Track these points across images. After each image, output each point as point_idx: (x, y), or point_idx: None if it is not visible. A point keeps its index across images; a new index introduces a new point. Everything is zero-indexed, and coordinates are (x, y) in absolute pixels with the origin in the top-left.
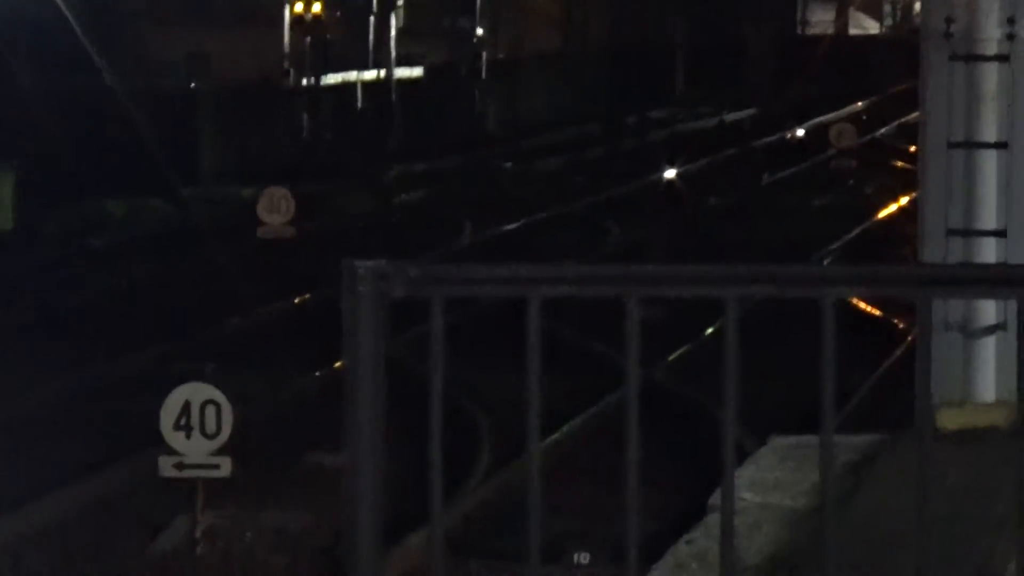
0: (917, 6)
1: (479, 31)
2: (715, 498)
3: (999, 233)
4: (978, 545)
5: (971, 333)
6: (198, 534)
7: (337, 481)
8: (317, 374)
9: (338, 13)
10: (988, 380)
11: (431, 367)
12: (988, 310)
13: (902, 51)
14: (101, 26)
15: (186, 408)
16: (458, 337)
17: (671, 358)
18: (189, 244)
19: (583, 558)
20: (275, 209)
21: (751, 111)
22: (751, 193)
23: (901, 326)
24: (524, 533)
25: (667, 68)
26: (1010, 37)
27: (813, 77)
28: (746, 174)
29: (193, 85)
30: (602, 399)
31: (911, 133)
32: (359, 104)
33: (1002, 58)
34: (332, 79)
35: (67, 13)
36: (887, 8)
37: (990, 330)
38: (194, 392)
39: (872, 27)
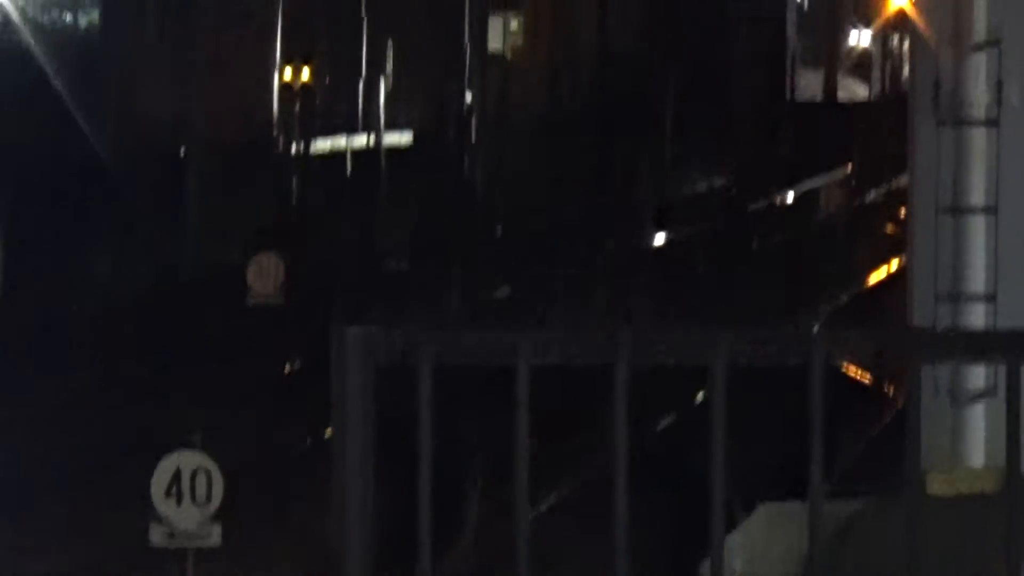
0: (906, 72)
1: (468, 95)
2: (705, 567)
3: (988, 298)
4: None
5: (960, 399)
6: None
7: (326, 544)
8: (307, 438)
9: (327, 78)
10: (977, 446)
11: (420, 432)
12: (977, 376)
13: (891, 116)
14: (87, 87)
15: (177, 476)
16: (447, 399)
17: (660, 421)
18: (177, 308)
19: None
20: (265, 275)
21: (740, 175)
22: (740, 257)
23: (890, 391)
24: None
25: (655, 129)
26: (998, 102)
27: (802, 141)
28: (735, 238)
29: (182, 148)
30: (590, 462)
31: (900, 198)
32: (348, 170)
33: (990, 123)
34: (321, 145)
35: (51, 74)
36: (876, 74)
37: (979, 396)
38: (185, 460)
39: (861, 92)
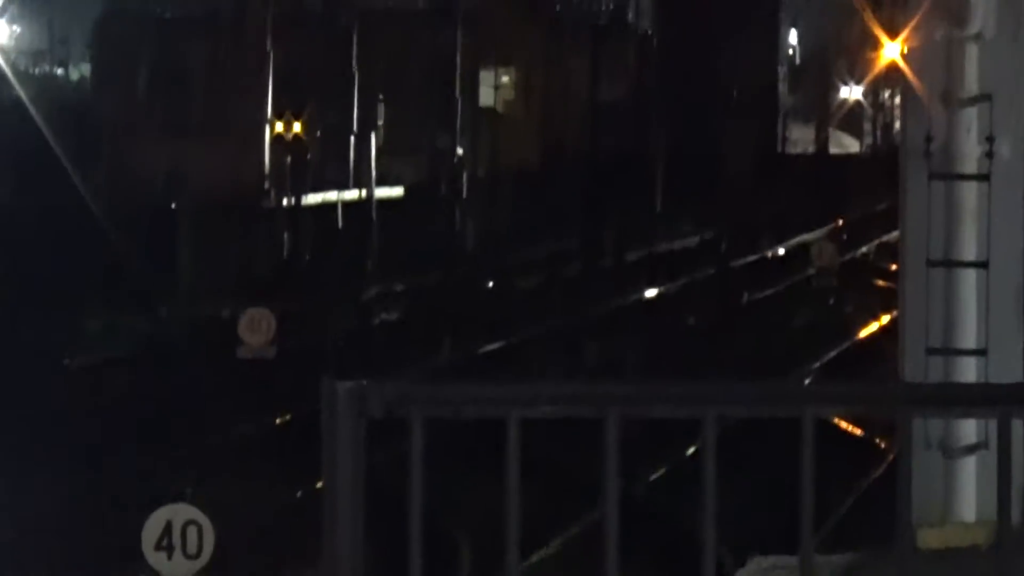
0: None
1: (459, 150)
2: None
3: (979, 352)
4: None
5: (951, 452)
6: None
7: None
8: (298, 493)
9: (318, 133)
10: (968, 499)
11: (410, 486)
12: (968, 429)
13: (882, 169)
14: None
15: (168, 529)
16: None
17: (651, 475)
18: (167, 363)
19: None
20: (256, 329)
21: (731, 228)
22: (731, 311)
23: (882, 444)
24: None
25: (646, 183)
26: (989, 155)
27: (794, 195)
28: (726, 292)
29: (174, 203)
30: (582, 516)
31: (892, 251)
32: (339, 223)
33: (981, 177)
34: (312, 198)
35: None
36: (867, 127)
37: (970, 449)
38: (175, 513)
39: (852, 146)
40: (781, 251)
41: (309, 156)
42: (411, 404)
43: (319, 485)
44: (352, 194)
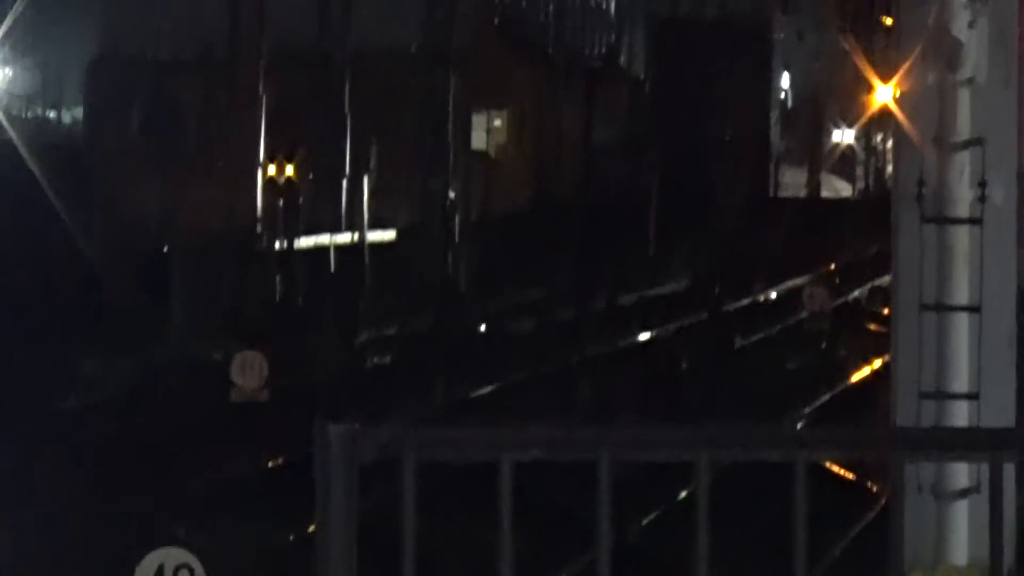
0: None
1: (451, 193)
2: None
3: (972, 396)
4: None
5: (944, 496)
6: None
7: None
8: (291, 536)
9: (311, 175)
10: (961, 543)
11: (403, 530)
12: (961, 473)
13: (874, 213)
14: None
15: (160, 572)
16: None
17: (645, 519)
18: (160, 405)
19: None
20: (248, 372)
21: (723, 272)
22: (723, 355)
23: (874, 488)
24: None
25: (638, 226)
26: (981, 200)
27: (786, 238)
28: (718, 336)
29: (166, 245)
30: (575, 560)
31: (884, 295)
32: (332, 266)
33: (974, 221)
34: (305, 241)
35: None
36: (860, 171)
37: (963, 493)
38: (168, 556)
39: (845, 190)
40: (773, 295)
41: (301, 198)
42: (404, 447)
43: (312, 528)
44: (344, 237)
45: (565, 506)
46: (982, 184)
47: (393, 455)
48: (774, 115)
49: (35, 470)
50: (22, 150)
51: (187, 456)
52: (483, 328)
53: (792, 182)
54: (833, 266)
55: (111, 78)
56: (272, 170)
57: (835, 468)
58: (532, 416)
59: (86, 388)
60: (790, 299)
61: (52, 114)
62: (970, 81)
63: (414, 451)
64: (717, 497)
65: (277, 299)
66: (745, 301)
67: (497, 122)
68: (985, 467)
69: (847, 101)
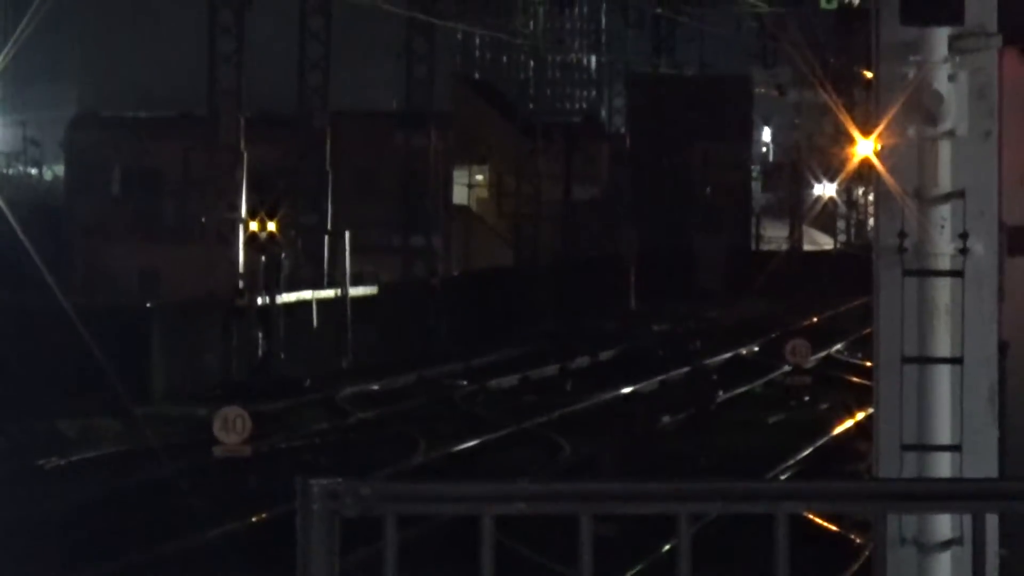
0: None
1: (433, 248)
2: None
3: (954, 448)
4: None
5: (927, 547)
6: None
7: None
8: None
9: (292, 232)
10: None
11: None
12: (944, 524)
13: (855, 266)
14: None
15: None
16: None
17: (627, 573)
18: (143, 463)
19: None
20: (230, 428)
21: (704, 326)
22: (704, 410)
23: (857, 540)
24: None
25: (619, 282)
26: (962, 252)
27: (767, 292)
28: (699, 391)
29: (147, 304)
30: None
31: (866, 348)
32: (314, 323)
33: (955, 273)
34: (287, 297)
35: (17, 228)
36: (841, 224)
37: (946, 544)
38: None
39: (826, 243)
40: (755, 348)
41: (283, 255)
42: (385, 502)
43: None
44: (326, 293)
45: (547, 559)
46: (963, 236)
47: (375, 510)
48: (755, 169)
49: (19, 530)
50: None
51: (171, 513)
52: (464, 383)
53: (773, 236)
54: (815, 319)
55: (92, 137)
56: (254, 227)
57: (817, 520)
58: (515, 471)
59: (69, 447)
60: (771, 352)
61: (33, 172)
62: (951, 134)
63: (396, 506)
64: (700, 550)
65: (259, 355)
66: (726, 355)
67: (478, 178)
68: (968, 519)
69: (828, 155)
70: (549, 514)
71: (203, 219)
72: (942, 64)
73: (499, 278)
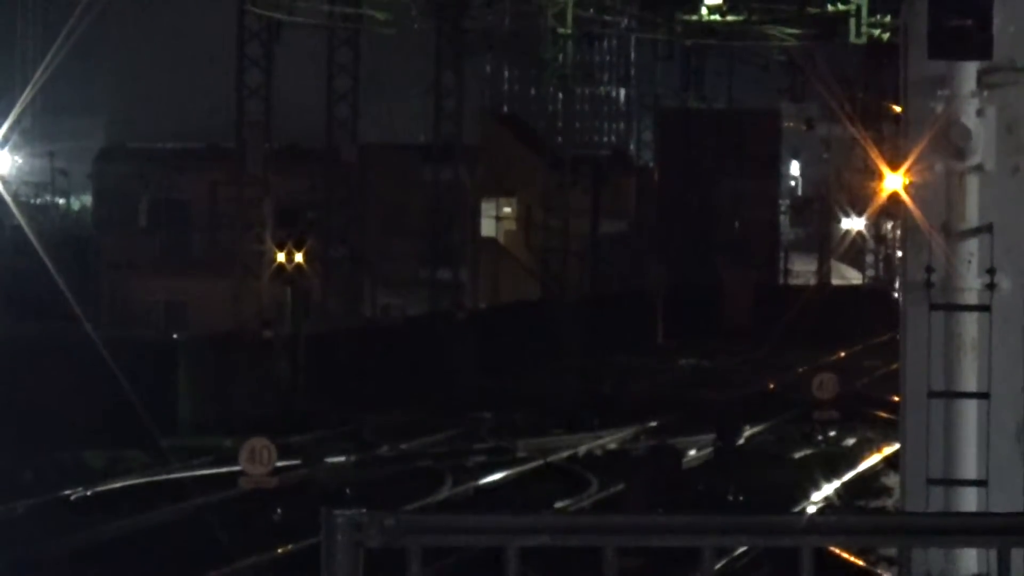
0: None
1: (460, 281)
2: None
3: (980, 483)
4: None
5: None
6: None
7: None
8: None
9: (319, 264)
10: None
11: None
12: (970, 559)
13: (884, 301)
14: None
15: None
16: None
17: None
18: (170, 494)
19: None
20: (256, 460)
21: (732, 360)
22: (732, 445)
23: (884, 575)
24: None
25: (646, 316)
26: (990, 287)
27: (795, 326)
28: (726, 425)
29: (174, 335)
30: None
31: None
32: (340, 354)
33: (982, 308)
34: (313, 329)
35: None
36: (869, 259)
37: None
38: None
39: (854, 277)
40: (783, 383)
41: (310, 287)
42: (409, 534)
43: None
44: (353, 324)
45: None
46: (990, 271)
47: (399, 542)
48: (783, 204)
49: (48, 561)
50: (31, 238)
51: (199, 543)
52: (489, 416)
53: (801, 270)
54: (843, 353)
55: (119, 168)
56: (281, 258)
57: (844, 555)
58: (540, 504)
59: (97, 479)
60: (799, 387)
61: (61, 202)
62: (978, 168)
63: (420, 538)
64: None
65: (286, 387)
66: (753, 388)
67: (506, 210)
68: (994, 553)
69: (856, 189)
70: (573, 546)
71: (230, 250)
72: (970, 99)
73: (526, 310)
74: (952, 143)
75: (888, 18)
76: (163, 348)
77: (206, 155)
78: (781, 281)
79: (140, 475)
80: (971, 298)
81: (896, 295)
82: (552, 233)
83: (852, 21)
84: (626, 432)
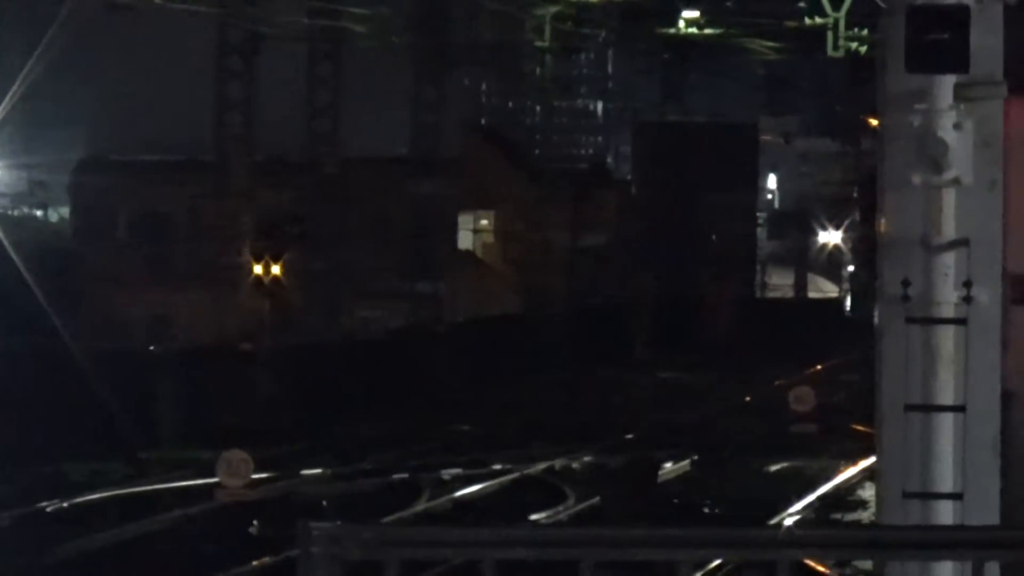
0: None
1: (439, 293)
2: None
3: (956, 496)
4: None
5: None
6: None
7: None
8: None
9: (298, 276)
10: None
11: None
12: (946, 572)
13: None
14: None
15: None
16: None
17: None
18: (148, 506)
19: None
20: (235, 472)
21: (710, 373)
22: (710, 458)
23: None
24: None
25: (626, 329)
26: (966, 300)
27: (772, 339)
28: (706, 438)
29: (153, 347)
30: None
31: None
32: (319, 366)
33: (958, 321)
34: (292, 341)
35: (26, 273)
36: (845, 272)
37: None
38: None
39: (831, 290)
40: (760, 395)
41: (289, 300)
42: (387, 546)
43: None
44: (332, 337)
45: None
46: (967, 284)
47: (376, 555)
48: (761, 217)
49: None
50: (10, 250)
51: (177, 556)
52: (468, 428)
53: (779, 283)
54: (819, 367)
55: (98, 179)
56: (259, 270)
57: (820, 568)
58: (518, 517)
59: (74, 491)
60: (777, 400)
61: (39, 214)
62: (956, 182)
63: (398, 550)
64: None
65: (264, 399)
66: (732, 401)
67: (484, 222)
68: (969, 566)
69: (833, 202)
70: (550, 559)
71: (210, 262)
72: (947, 112)
73: (505, 322)
74: (929, 157)
75: (866, 31)
76: (142, 360)
77: (187, 167)
78: (758, 294)
79: (120, 487)
80: (948, 311)
81: (846, 310)
82: (531, 246)
83: (830, 35)
84: (603, 444)
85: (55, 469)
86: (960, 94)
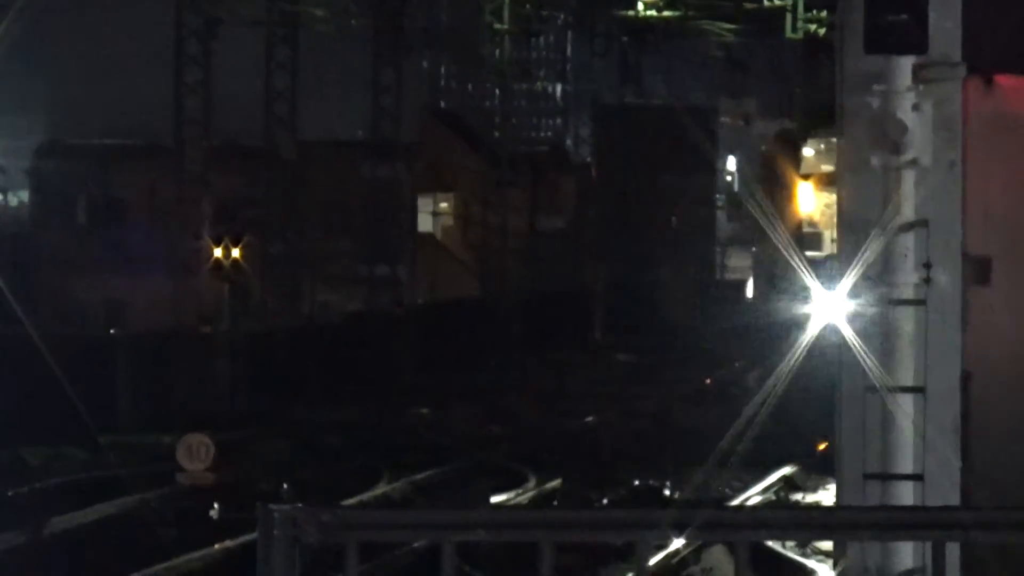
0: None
1: (398, 277)
2: None
3: (916, 477)
4: None
5: None
6: None
7: None
8: None
9: (257, 261)
10: None
11: None
12: (906, 553)
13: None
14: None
15: None
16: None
17: None
18: (108, 491)
19: None
20: (194, 456)
21: (670, 356)
22: (671, 442)
23: (820, 568)
24: None
25: (585, 313)
26: (926, 281)
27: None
28: (666, 420)
29: (112, 331)
30: None
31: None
32: (279, 351)
33: (918, 302)
34: (251, 326)
35: None
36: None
37: (909, 573)
38: None
39: None
40: (720, 378)
41: (248, 284)
42: (345, 529)
43: None
44: (291, 322)
45: None
46: (927, 266)
47: (336, 537)
48: (720, 199)
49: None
50: None
51: (136, 540)
52: (425, 411)
53: (739, 265)
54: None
55: (57, 165)
56: (218, 255)
57: (779, 548)
58: (478, 499)
59: (32, 476)
60: (737, 382)
61: None
62: (914, 163)
63: (357, 533)
64: None
65: (224, 383)
66: (692, 385)
67: (443, 206)
68: (930, 547)
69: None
70: (510, 541)
71: (168, 247)
72: (906, 93)
73: (464, 306)
74: (888, 138)
75: (824, 13)
76: (101, 345)
77: (145, 152)
78: (718, 276)
79: (78, 472)
80: (907, 292)
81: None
82: (490, 230)
83: (788, 16)
84: (563, 427)
85: (13, 454)
86: (918, 75)
